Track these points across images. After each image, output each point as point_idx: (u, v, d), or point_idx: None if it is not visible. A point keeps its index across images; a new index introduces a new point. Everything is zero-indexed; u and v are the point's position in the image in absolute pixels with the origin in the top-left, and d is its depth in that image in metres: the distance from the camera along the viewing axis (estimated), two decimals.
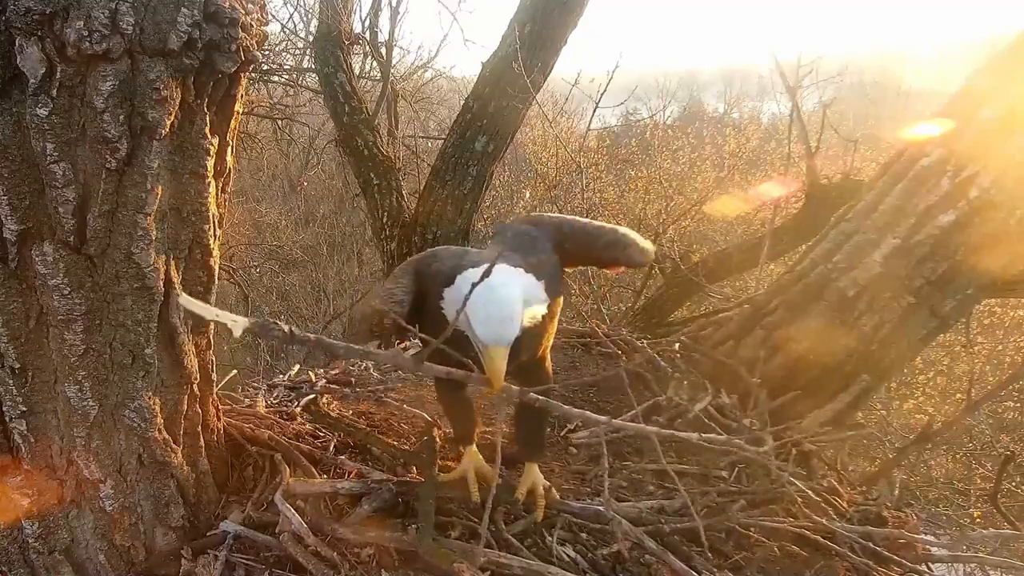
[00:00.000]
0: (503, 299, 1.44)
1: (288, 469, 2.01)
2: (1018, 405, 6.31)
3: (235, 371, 3.19)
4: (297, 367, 3.48)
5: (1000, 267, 2.74)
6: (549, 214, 2.04)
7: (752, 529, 2.04)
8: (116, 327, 1.62)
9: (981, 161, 2.64)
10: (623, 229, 1.98)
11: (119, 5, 1.38)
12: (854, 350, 2.84)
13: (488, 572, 1.72)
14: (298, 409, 2.56)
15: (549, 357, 1.94)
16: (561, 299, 1.79)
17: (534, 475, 1.97)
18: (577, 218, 2.04)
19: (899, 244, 2.75)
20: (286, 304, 13.02)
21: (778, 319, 3.00)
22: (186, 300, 1.24)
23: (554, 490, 2.03)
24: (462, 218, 5.85)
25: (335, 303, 12.57)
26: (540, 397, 1.47)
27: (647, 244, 1.97)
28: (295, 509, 1.84)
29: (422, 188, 6.36)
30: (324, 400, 2.68)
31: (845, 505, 2.32)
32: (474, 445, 2.02)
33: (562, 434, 2.56)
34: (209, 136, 1.63)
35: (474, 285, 1.30)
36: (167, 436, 1.77)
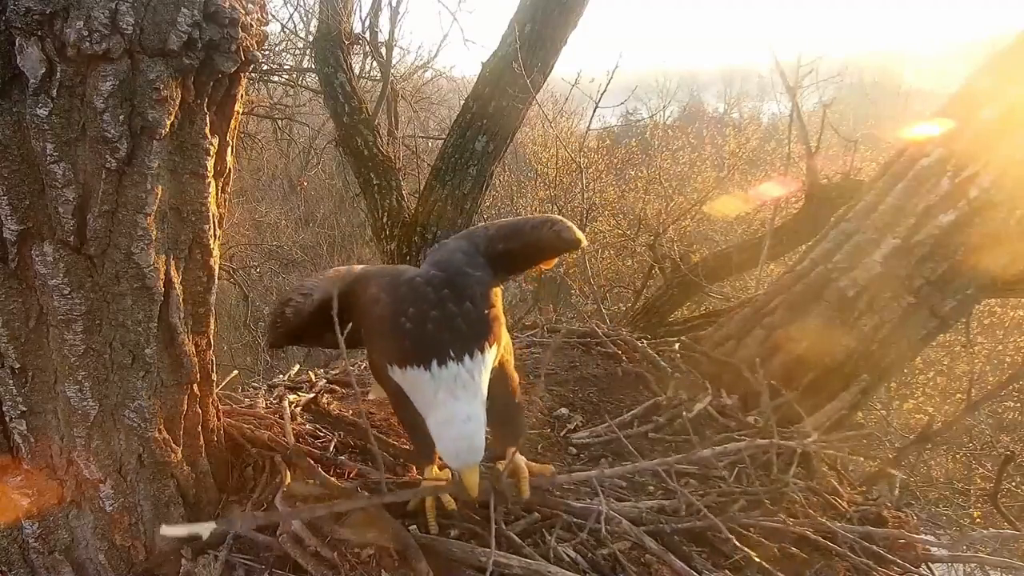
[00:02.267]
0: (469, 436, 1.58)
1: (288, 470, 2.01)
2: (1018, 405, 6.32)
3: (236, 371, 3.19)
4: (297, 367, 3.48)
5: (1000, 267, 2.74)
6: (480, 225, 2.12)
7: (752, 529, 2.03)
8: (116, 327, 1.62)
9: (981, 161, 2.64)
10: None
11: (119, 5, 1.38)
12: (854, 350, 2.84)
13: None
14: (298, 409, 2.56)
15: (511, 362, 1.95)
16: (502, 325, 1.78)
17: (514, 459, 1.93)
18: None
19: (899, 244, 2.75)
20: None
21: (778, 319, 3.00)
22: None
23: (551, 468, 2.03)
24: (462, 218, 5.85)
25: None
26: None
27: (578, 231, 2.01)
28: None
29: (422, 188, 6.36)
30: (324, 400, 2.68)
31: (845, 505, 2.31)
32: (435, 467, 1.96)
33: (562, 434, 2.55)
34: (209, 136, 1.63)
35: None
36: (167, 436, 1.77)
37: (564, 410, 2.70)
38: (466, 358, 1.61)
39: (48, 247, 1.51)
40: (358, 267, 1.97)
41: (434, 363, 1.59)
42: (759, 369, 2.80)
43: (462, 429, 1.58)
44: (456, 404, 1.58)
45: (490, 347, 1.67)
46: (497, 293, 1.78)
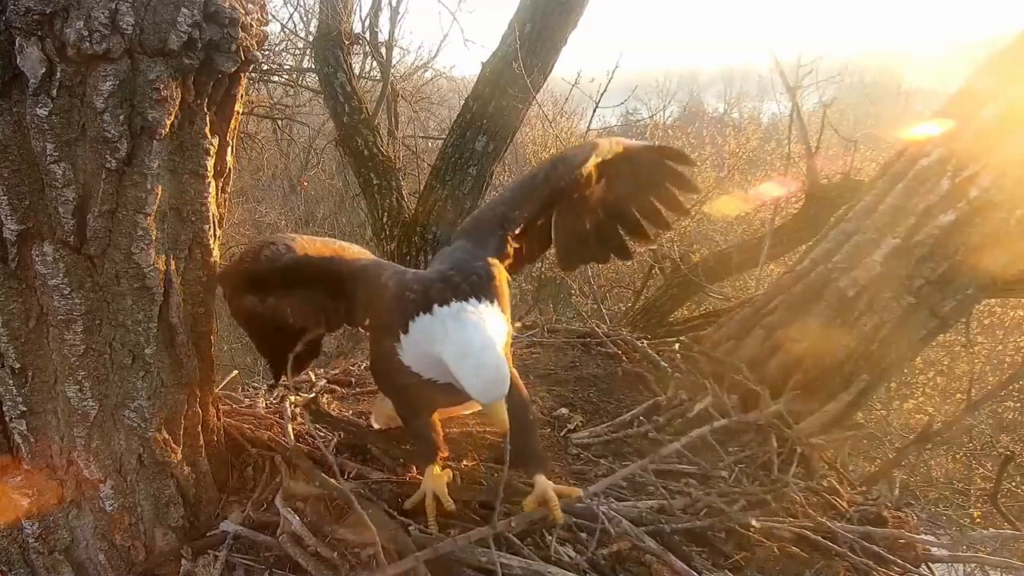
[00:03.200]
0: (491, 363, 1.54)
1: (288, 470, 2.02)
2: (1018, 405, 6.31)
3: (236, 371, 3.19)
4: None
5: (1000, 267, 2.74)
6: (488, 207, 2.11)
7: (752, 529, 2.03)
8: (116, 327, 1.62)
9: (981, 161, 2.64)
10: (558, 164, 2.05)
11: (119, 5, 1.38)
12: (854, 350, 2.84)
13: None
14: (298, 409, 2.56)
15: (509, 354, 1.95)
16: (508, 302, 1.81)
17: (542, 485, 1.85)
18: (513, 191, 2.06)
19: (899, 244, 2.75)
20: None
21: (778, 319, 3.00)
22: None
23: (578, 491, 1.93)
24: (462, 218, 5.84)
25: None
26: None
27: (601, 147, 2.03)
28: (295, 510, 1.84)
29: (422, 188, 6.36)
30: (324, 400, 2.68)
31: (845, 505, 2.31)
32: (436, 467, 1.93)
33: (562, 434, 2.55)
34: (209, 136, 1.63)
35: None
36: (167, 436, 1.77)
37: (564, 410, 2.70)
38: (471, 299, 1.62)
39: (48, 247, 1.51)
40: (361, 254, 1.96)
41: (435, 306, 1.61)
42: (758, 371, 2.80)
43: (481, 358, 1.53)
44: (466, 330, 1.56)
45: (499, 306, 1.68)
46: (503, 282, 1.80)
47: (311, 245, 1.89)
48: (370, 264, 1.88)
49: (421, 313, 1.62)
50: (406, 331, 1.64)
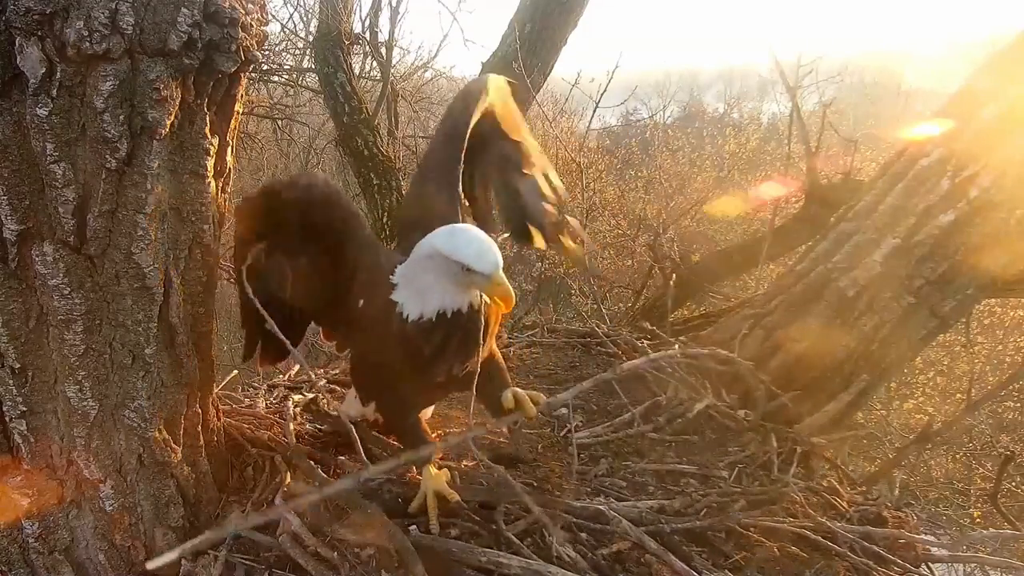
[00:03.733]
0: (478, 234, 1.64)
1: (288, 470, 2.02)
2: (1018, 405, 6.32)
3: (236, 371, 3.19)
4: (297, 367, 3.47)
5: (1000, 267, 2.74)
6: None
7: (752, 529, 2.03)
8: (116, 327, 1.62)
9: (981, 161, 2.64)
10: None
11: (119, 5, 1.38)
12: (854, 350, 2.84)
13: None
14: (298, 409, 2.56)
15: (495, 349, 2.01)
16: None
17: (512, 390, 1.96)
18: None
19: (899, 244, 2.75)
20: None
21: (778, 319, 3.00)
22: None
23: (541, 395, 2.02)
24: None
25: None
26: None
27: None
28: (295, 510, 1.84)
29: None
30: (324, 400, 2.68)
31: (845, 505, 2.32)
32: (432, 466, 1.94)
33: (562, 434, 2.55)
34: (209, 136, 1.63)
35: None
36: (167, 436, 1.77)
37: (564, 410, 2.70)
38: None
39: (48, 247, 1.51)
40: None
41: (414, 249, 1.72)
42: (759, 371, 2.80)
43: (469, 233, 1.64)
44: (447, 227, 1.67)
45: None
46: None
47: (336, 196, 1.88)
48: (377, 246, 1.92)
49: (402, 255, 1.75)
50: (394, 274, 1.73)
